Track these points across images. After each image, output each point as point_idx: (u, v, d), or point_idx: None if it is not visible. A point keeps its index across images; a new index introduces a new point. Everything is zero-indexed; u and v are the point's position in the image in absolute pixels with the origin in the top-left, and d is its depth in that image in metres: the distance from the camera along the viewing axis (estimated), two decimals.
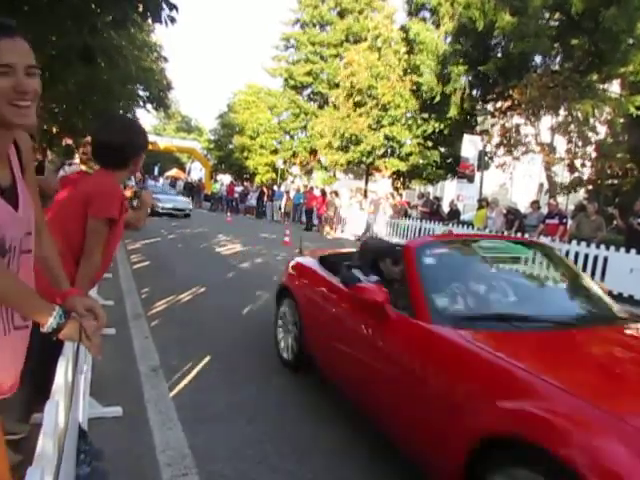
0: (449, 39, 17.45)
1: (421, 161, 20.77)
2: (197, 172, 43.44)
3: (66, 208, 2.04)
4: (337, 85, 23.43)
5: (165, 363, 3.76)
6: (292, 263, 4.25)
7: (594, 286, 3.18)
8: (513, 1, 13.87)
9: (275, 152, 34.65)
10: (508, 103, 17.12)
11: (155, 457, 2.49)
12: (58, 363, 1.38)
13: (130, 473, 2.37)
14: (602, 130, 15.90)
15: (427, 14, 19.86)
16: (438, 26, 18.57)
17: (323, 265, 3.82)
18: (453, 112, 17.17)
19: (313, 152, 29.90)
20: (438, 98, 17.76)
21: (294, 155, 33.25)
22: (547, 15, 14.53)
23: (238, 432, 2.82)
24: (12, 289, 1.20)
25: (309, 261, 4.08)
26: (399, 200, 17.64)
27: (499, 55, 15.67)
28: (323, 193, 19.49)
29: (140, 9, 6.89)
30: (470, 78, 17.07)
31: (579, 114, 14.62)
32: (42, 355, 1.52)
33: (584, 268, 9.32)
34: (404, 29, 20.41)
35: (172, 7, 6.89)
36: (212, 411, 3.05)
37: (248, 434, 2.81)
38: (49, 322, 1.24)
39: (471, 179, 16.42)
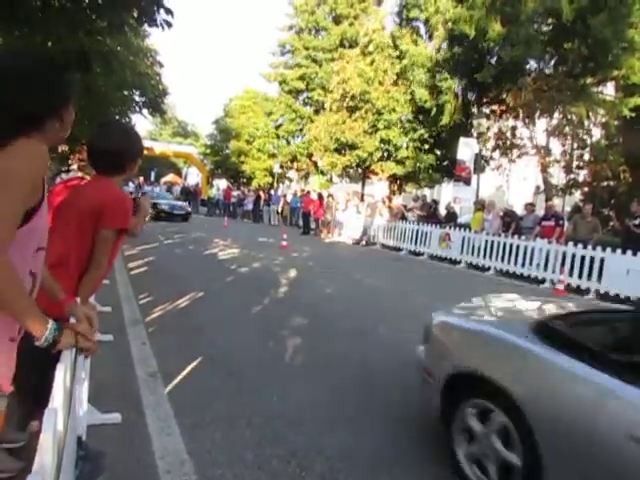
0: (443, 47, 17.59)
1: (418, 164, 20.83)
2: (194, 177, 43.45)
3: (73, 222, 1.98)
4: (331, 91, 23.49)
5: (163, 369, 3.74)
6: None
7: None
8: (504, 9, 13.96)
9: (273, 156, 34.70)
10: (503, 107, 17.21)
11: (154, 463, 2.47)
12: (56, 371, 1.38)
13: None
14: (597, 132, 15.99)
15: (419, 24, 20.07)
16: (431, 36, 18.72)
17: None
18: (445, 121, 17.33)
19: (310, 156, 29.94)
20: (434, 111, 17.93)
21: (292, 160, 33.29)
22: (539, 20, 14.63)
23: (237, 437, 2.81)
24: (21, 296, 1.21)
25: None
26: (396, 203, 17.66)
27: (493, 60, 15.77)
28: (320, 197, 19.50)
29: (136, 14, 6.91)
30: (464, 84, 17.17)
31: (574, 117, 14.71)
32: (42, 365, 1.53)
33: (581, 269, 9.37)
34: (393, 37, 20.58)
35: (168, 12, 6.92)
36: (211, 416, 3.03)
37: (247, 439, 2.79)
38: (45, 335, 1.25)
39: (467, 182, 16.45)
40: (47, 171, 1.30)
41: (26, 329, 1.26)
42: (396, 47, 20.11)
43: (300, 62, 32.21)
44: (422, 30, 20.16)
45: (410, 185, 23.83)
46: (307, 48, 32.02)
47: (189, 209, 21.10)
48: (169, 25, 7.04)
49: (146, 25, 7.52)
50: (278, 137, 34.70)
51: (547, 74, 15.25)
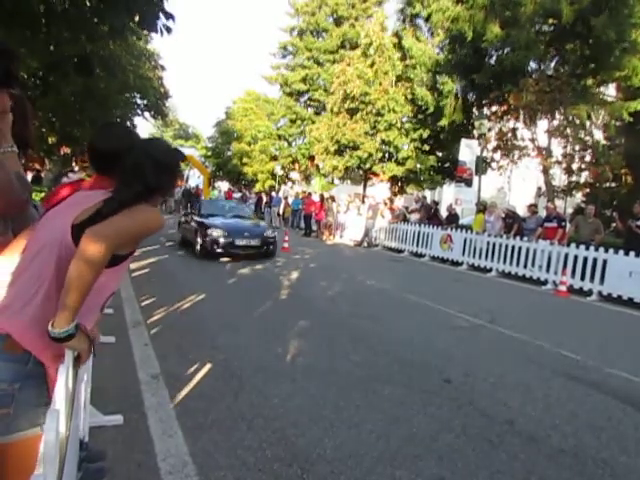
0: (443, 47, 17.61)
1: (418, 166, 20.83)
2: (195, 179, 43.46)
3: None
4: (332, 92, 23.54)
5: (165, 370, 3.75)
6: None
7: None
8: (504, 11, 13.95)
9: (274, 158, 34.76)
10: (504, 108, 17.19)
11: (156, 465, 2.48)
12: (58, 372, 1.38)
13: None
14: (598, 134, 15.96)
15: (421, 22, 20.08)
16: (433, 34, 18.72)
17: None
18: (445, 122, 17.34)
19: (311, 158, 29.99)
20: (432, 109, 17.93)
21: (293, 162, 33.34)
22: (540, 21, 14.61)
23: (239, 439, 2.81)
24: (81, 294, 1.35)
25: None
26: (396, 205, 17.66)
27: (493, 61, 15.76)
28: (321, 199, 19.51)
29: (137, 18, 6.92)
30: (464, 84, 17.17)
31: (575, 118, 14.69)
32: None
33: (583, 271, 9.35)
34: (397, 35, 20.58)
35: (169, 17, 6.92)
36: (213, 418, 3.04)
37: (249, 441, 2.80)
38: (66, 328, 1.33)
39: (469, 183, 16.43)
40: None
41: (56, 314, 1.35)
42: (400, 47, 20.09)
43: (302, 63, 32.32)
44: (424, 29, 20.18)
45: (411, 187, 23.84)
46: (309, 49, 32.14)
47: (271, 233, 11.30)
48: (169, 30, 7.04)
49: (146, 31, 7.55)
50: (280, 138, 34.79)
51: (548, 75, 15.24)
